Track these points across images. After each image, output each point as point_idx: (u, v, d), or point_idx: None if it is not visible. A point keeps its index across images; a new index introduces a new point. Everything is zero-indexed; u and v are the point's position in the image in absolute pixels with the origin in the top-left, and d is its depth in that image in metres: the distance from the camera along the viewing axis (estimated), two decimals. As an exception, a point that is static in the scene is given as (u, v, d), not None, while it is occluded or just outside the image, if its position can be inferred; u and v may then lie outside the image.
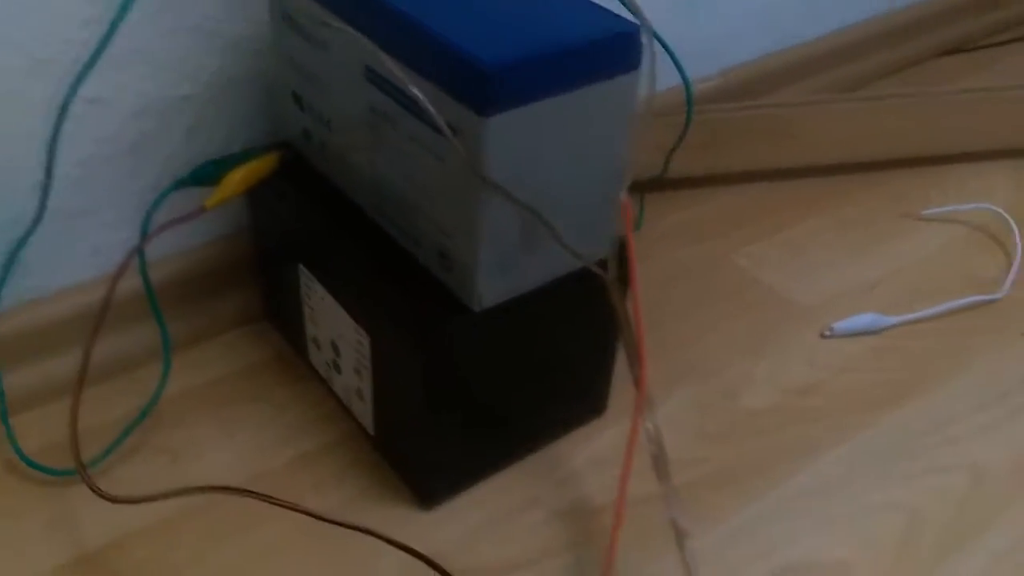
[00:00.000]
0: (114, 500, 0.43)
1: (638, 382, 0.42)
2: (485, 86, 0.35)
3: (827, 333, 0.59)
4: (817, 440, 0.52)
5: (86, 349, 0.46)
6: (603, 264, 0.42)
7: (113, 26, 0.44)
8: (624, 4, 0.43)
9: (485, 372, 0.44)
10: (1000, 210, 0.68)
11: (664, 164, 0.67)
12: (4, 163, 0.47)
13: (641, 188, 0.68)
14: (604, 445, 0.51)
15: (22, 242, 0.49)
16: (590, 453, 0.51)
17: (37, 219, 0.48)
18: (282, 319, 0.57)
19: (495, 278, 0.41)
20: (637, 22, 0.38)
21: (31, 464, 0.48)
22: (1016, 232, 0.66)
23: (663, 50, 0.59)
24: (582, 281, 0.42)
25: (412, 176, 0.42)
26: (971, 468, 0.51)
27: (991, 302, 0.61)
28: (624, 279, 0.42)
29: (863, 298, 0.62)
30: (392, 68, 0.38)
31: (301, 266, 0.50)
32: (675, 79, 0.75)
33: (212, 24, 0.50)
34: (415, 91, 0.37)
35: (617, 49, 0.38)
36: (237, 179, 0.48)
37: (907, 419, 0.53)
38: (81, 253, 0.52)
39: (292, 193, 0.50)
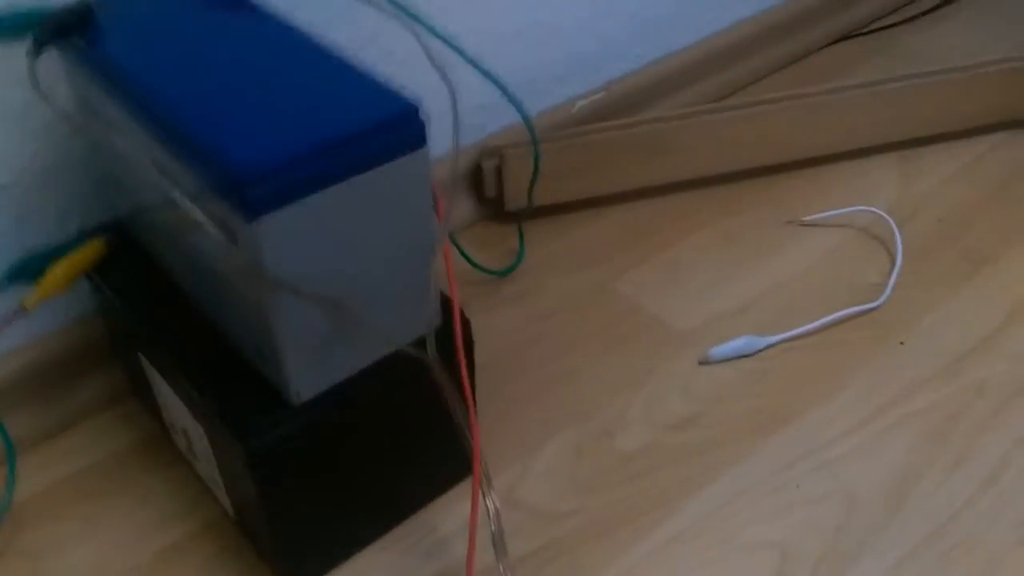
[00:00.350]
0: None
1: (472, 465, 0.40)
2: (244, 191, 0.33)
3: (704, 360, 0.58)
4: (690, 479, 0.51)
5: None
6: (421, 343, 0.40)
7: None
8: (431, 61, 0.42)
9: (315, 459, 0.42)
10: (881, 212, 0.67)
11: (527, 196, 0.65)
12: None
13: (517, 219, 0.67)
14: (463, 514, 0.50)
15: None
16: (460, 517, 0.50)
17: None
18: (145, 399, 0.55)
19: (307, 371, 0.40)
20: (413, 99, 0.37)
21: None
22: (897, 234, 0.65)
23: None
24: (406, 360, 0.41)
25: (215, 270, 0.40)
26: (844, 495, 0.50)
27: (871, 311, 0.60)
28: (453, 350, 0.41)
29: (742, 318, 0.61)
30: (163, 175, 0.36)
31: (140, 354, 0.48)
32: (556, 100, 0.74)
33: (19, 108, 0.48)
34: (186, 200, 0.35)
35: (393, 132, 0.36)
36: (58, 273, 0.47)
37: (780, 447, 0.53)
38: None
39: (120, 281, 0.48)
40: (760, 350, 0.58)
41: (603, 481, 0.51)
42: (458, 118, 0.41)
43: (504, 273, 0.65)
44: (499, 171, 0.68)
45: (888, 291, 0.61)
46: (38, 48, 0.41)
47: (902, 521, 0.49)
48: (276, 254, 0.35)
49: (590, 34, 0.73)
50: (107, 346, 0.55)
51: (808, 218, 0.68)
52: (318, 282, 0.37)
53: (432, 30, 0.47)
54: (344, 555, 0.48)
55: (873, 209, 0.67)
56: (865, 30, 0.92)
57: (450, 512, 0.50)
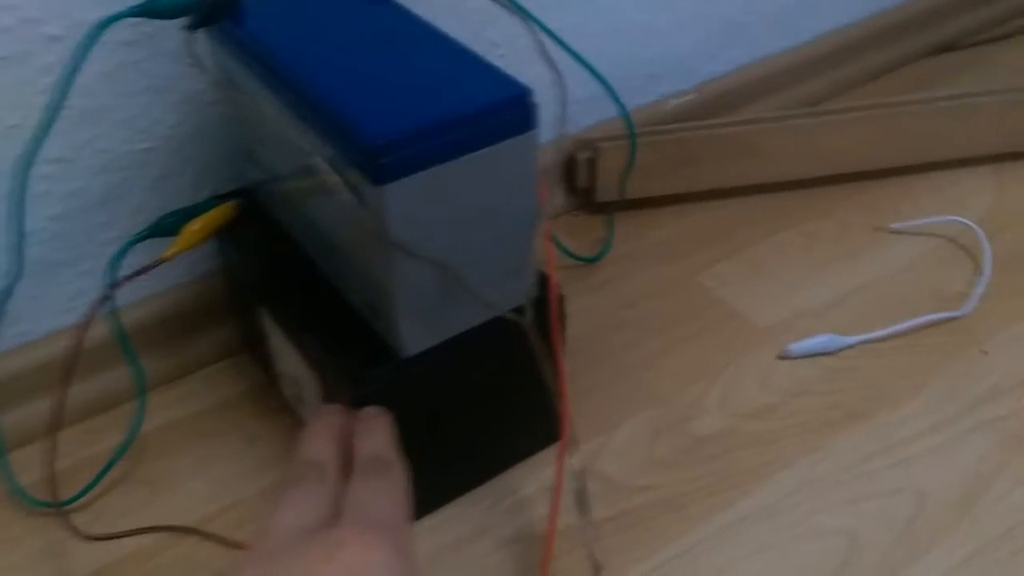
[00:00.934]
0: (86, 537, 0.47)
1: (560, 424, 0.44)
2: (376, 159, 0.37)
3: (783, 355, 0.59)
4: (763, 465, 0.53)
5: (60, 392, 0.50)
6: (520, 310, 0.43)
7: (62, 93, 0.47)
8: (544, 57, 0.45)
9: (418, 411, 0.46)
10: (971, 223, 0.67)
11: (619, 188, 0.68)
12: (-17, 224, 0.51)
13: (607, 210, 0.70)
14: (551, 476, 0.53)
15: (6, 293, 0.53)
16: (543, 481, 0.53)
17: (17, 272, 0.52)
18: (256, 353, 0.60)
19: (417, 328, 0.43)
20: (525, 85, 0.40)
21: (25, 497, 0.52)
22: (986, 245, 0.66)
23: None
24: (506, 324, 0.44)
25: (339, 233, 0.44)
26: (916, 492, 0.51)
27: (955, 319, 0.61)
28: (547, 321, 0.44)
29: (823, 317, 0.62)
30: (303, 143, 0.40)
31: (260, 308, 0.53)
32: (650, 98, 0.76)
33: (165, 80, 0.53)
34: (323, 165, 0.39)
35: (507, 114, 0.40)
36: (195, 230, 0.51)
37: (854, 442, 0.54)
38: (64, 299, 0.56)
39: (247, 241, 0.53)
40: (840, 349, 0.59)
41: (678, 461, 0.54)
42: (565, 107, 0.45)
43: (593, 260, 0.68)
44: (592, 163, 0.70)
45: (973, 300, 0.62)
46: (193, 27, 0.46)
47: (972, 520, 0.50)
48: (398, 218, 0.39)
49: (685, 35, 0.75)
50: (225, 302, 0.60)
51: (896, 225, 0.69)
52: (432, 247, 0.40)
53: (540, 24, 0.51)
54: (433, 506, 0.51)
55: (963, 219, 0.67)
56: (960, 44, 0.92)
57: (533, 475, 0.53)
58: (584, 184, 0.72)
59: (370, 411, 0.42)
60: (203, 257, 0.59)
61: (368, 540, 0.33)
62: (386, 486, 0.38)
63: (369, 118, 0.38)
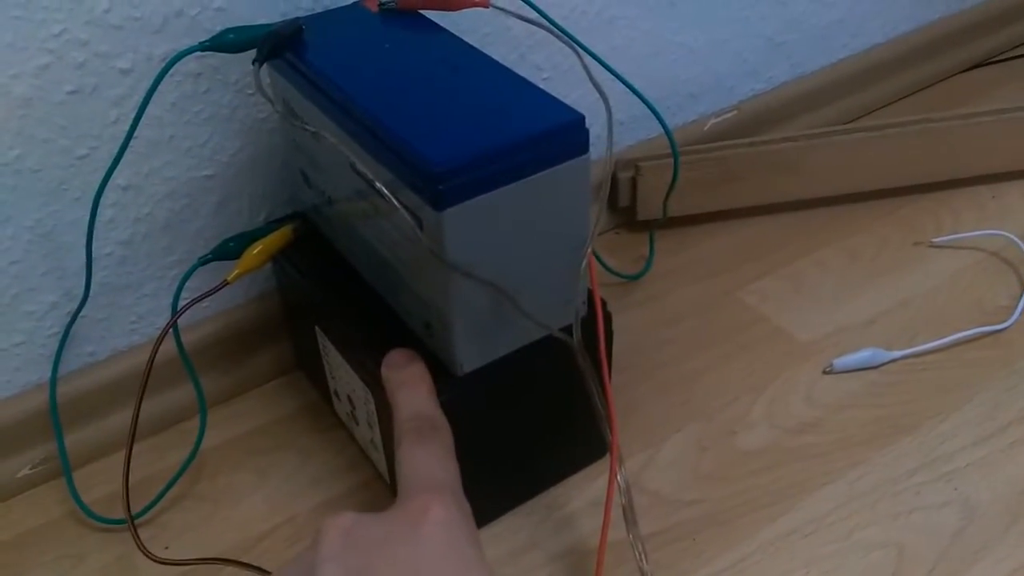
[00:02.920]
0: (156, 560, 0.49)
1: (608, 440, 0.45)
2: (436, 184, 0.39)
3: (827, 369, 0.60)
4: (810, 479, 0.54)
5: (135, 411, 0.52)
6: (568, 329, 0.45)
7: (134, 123, 0.50)
8: (592, 82, 0.47)
9: (473, 428, 0.47)
10: (1014, 236, 0.67)
11: (663, 208, 0.69)
12: (53, 250, 0.53)
13: (651, 228, 0.71)
14: (602, 487, 0.54)
15: (75, 315, 0.55)
16: (589, 495, 0.54)
17: (85, 295, 0.54)
18: (311, 370, 0.62)
19: (472, 346, 0.45)
20: (577, 112, 0.41)
21: (90, 515, 0.55)
22: (1029, 258, 0.66)
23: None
24: (555, 343, 0.46)
25: (396, 254, 0.46)
26: (963, 505, 0.52)
27: (998, 332, 0.61)
28: (594, 341, 0.45)
29: (867, 332, 0.63)
30: (364, 169, 0.42)
31: (316, 326, 0.55)
32: (689, 117, 0.77)
33: (228, 110, 0.55)
34: (384, 190, 0.41)
35: (562, 138, 0.41)
36: (255, 253, 0.53)
37: (901, 455, 0.55)
38: (128, 321, 0.58)
39: (304, 263, 0.55)
40: (885, 363, 0.60)
41: (724, 475, 0.55)
42: (610, 129, 0.46)
43: (635, 278, 0.69)
44: (634, 182, 0.72)
45: (1017, 313, 0.62)
46: (260, 61, 0.48)
47: (1019, 533, 0.50)
48: (456, 241, 0.41)
49: (724, 55, 0.76)
50: (281, 322, 0.62)
51: (938, 240, 0.69)
52: (488, 268, 0.42)
53: (584, 48, 0.52)
54: (484, 521, 0.53)
55: (1005, 233, 0.68)
56: (1001, 58, 0.92)
57: (580, 491, 0.54)
58: (625, 203, 0.73)
59: (402, 357, 0.45)
60: (260, 278, 0.61)
61: (443, 501, 0.36)
62: (439, 451, 0.41)
63: (428, 145, 0.40)
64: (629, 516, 0.46)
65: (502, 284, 0.43)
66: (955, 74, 0.90)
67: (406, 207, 0.41)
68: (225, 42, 0.49)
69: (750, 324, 0.65)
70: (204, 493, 0.56)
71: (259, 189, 0.59)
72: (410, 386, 0.44)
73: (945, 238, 0.69)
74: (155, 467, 0.58)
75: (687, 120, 0.77)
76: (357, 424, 0.56)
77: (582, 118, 0.42)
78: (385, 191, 0.41)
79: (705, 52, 0.75)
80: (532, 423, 0.51)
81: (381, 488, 0.56)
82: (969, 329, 0.61)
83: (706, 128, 0.77)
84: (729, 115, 0.78)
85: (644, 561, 0.45)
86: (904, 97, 0.88)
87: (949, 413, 0.57)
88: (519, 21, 0.50)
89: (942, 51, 0.89)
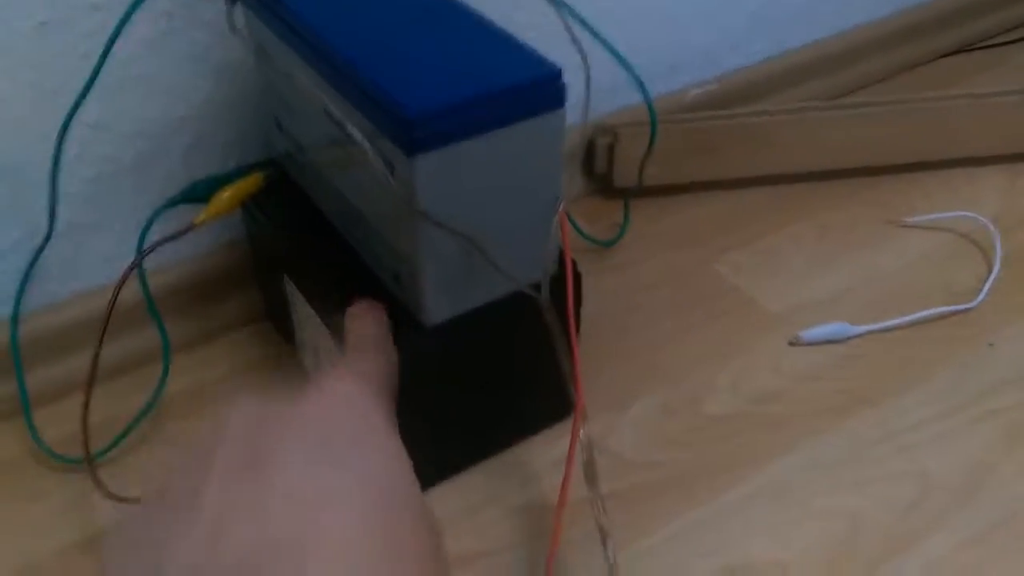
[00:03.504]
0: (114, 498, 0.48)
1: (574, 399, 0.45)
2: (409, 130, 0.38)
3: (794, 341, 0.61)
4: (772, 447, 0.54)
5: (95, 350, 0.51)
6: (537, 286, 0.45)
7: (102, 58, 0.48)
8: (574, 42, 0.46)
9: (439, 380, 0.48)
10: (985, 219, 0.68)
11: (638, 175, 0.69)
12: (18, 185, 0.52)
13: (627, 195, 0.71)
14: (565, 447, 0.54)
15: (38, 252, 0.54)
16: (552, 455, 0.54)
17: (49, 233, 0.53)
18: (278, 320, 0.61)
19: (441, 297, 0.45)
20: (555, 64, 0.41)
21: (50, 453, 0.54)
22: (998, 241, 0.66)
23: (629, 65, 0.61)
24: (524, 299, 0.45)
25: (367, 203, 0.46)
26: (920, 476, 0.52)
27: (964, 311, 0.62)
28: (563, 299, 0.45)
29: (835, 306, 0.63)
30: (337, 113, 0.42)
31: (284, 276, 0.54)
32: (671, 87, 0.77)
33: (201, 50, 0.54)
34: (357, 135, 0.40)
35: (538, 91, 0.41)
36: (225, 198, 0.53)
37: (863, 427, 0.55)
38: (93, 262, 0.57)
39: (274, 211, 0.54)
40: (851, 337, 0.60)
41: (687, 439, 0.55)
42: (589, 92, 0.46)
43: (609, 244, 0.69)
44: (611, 149, 0.72)
45: (983, 295, 0.63)
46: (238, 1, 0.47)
47: (974, 507, 0.51)
48: (427, 189, 0.40)
49: (709, 26, 0.76)
50: (250, 271, 0.61)
51: (909, 219, 0.70)
52: (458, 219, 0.42)
53: (572, 11, 0.52)
54: (448, 474, 0.53)
55: (975, 215, 0.68)
56: (980, 45, 0.92)
57: (542, 450, 0.54)
58: (602, 169, 0.73)
59: (363, 306, 0.44)
60: (229, 225, 0.61)
61: (355, 380, 0.34)
62: (380, 359, 0.40)
63: (403, 91, 0.39)
64: (590, 473, 0.46)
65: (472, 235, 0.43)
66: (940, 57, 0.90)
67: (379, 154, 0.41)
68: (200, -22, 0.48)
69: (721, 294, 0.65)
70: (166, 437, 0.56)
71: (231, 133, 0.58)
72: (362, 319, 0.43)
73: (917, 218, 0.70)
74: (117, 409, 0.57)
75: (668, 90, 0.77)
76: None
77: (559, 71, 0.41)
78: (358, 136, 0.41)
79: (689, 22, 0.75)
80: (497, 379, 0.51)
81: (345, 440, 0.55)
82: (935, 308, 0.62)
83: (687, 99, 0.77)
84: (710, 87, 0.78)
85: (603, 516, 0.46)
86: (887, 78, 0.88)
87: (912, 388, 0.58)
88: (503, -27, 0.50)
89: (928, 33, 0.89)
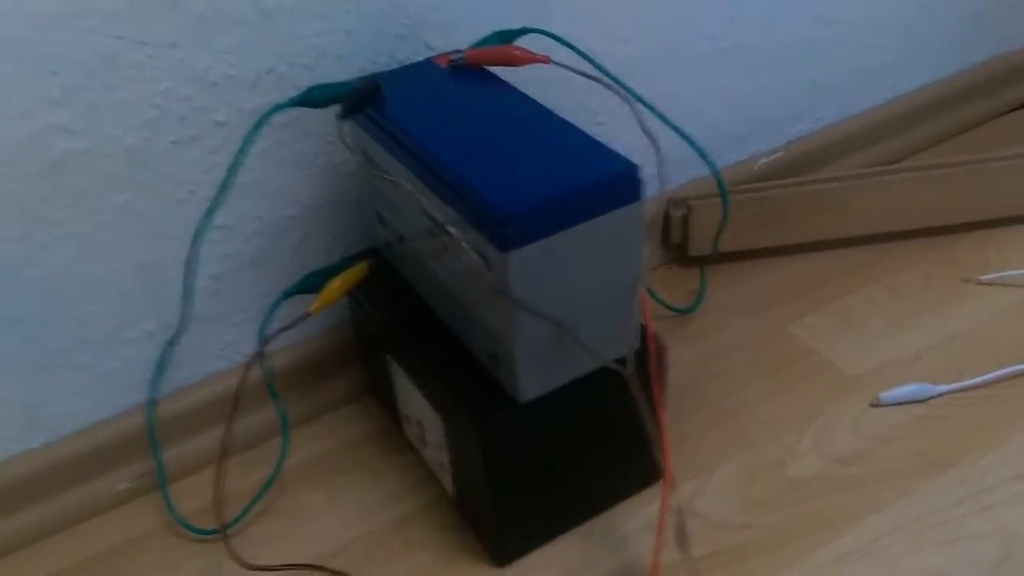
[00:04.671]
0: (248, 566, 0.53)
1: (663, 468, 0.48)
2: (502, 229, 0.43)
3: (875, 402, 0.62)
4: (856, 508, 0.56)
5: (225, 429, 0.57)
6: (623, 361, 0.48)
7: (232, 168, 0.55)
8: (662, 119, 0.51)
9: (534, 451, 0.51)
10: (1060, 274, 0.69)
11: (713, 245, 0.72)
12: (154, 284, 0.59)
13: (702, 263, 0.74)
14: (653, 513, 0.57)
15: (170, 343, 0.61)
16: (644, 518, 0.57)
17: (181, 324, 0.60)
18: (381, 396, 0.66)
19: (533, 376, 0.49)
20: (631, 162, 0.45)
21: (185, 526, 0.60)
22: (1076, 296, 0.67)
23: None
24: (610, 373, 0.49)
25: (463, 290, 0.50)
26: (1004, 535, 0.53)
27: (1044, 368, 0.63)
28: (647, 371, 0.49)
29: (913, 366, 0.65)
30: (436, 213, 0.47)
31: (388, 356, 0.59)
32: (739, 157, 0.81)
33: (308, 157, 0.60)
34: (454, 233, 0.45)
35: (616, 187, 0.45)
36: (335, 287, 0.58)
37: (944, 488, 0.57)
38: (217, 348, 0.63)
39: (378, 296, 0.59)
40: (931, 397, 0.62)
41: (773, 502, 0.57)
42: (661, 169, 0.50)
43: (686, 311, 0.72)
44: (685, 220, 0.75)
45: (1063, 351, 0.64)
46: (344, 115, 0.53)
47: (1065, 566, 0.51)
48: (520, 280, 0.45)
49: (771, 98, 0.80)
50: (354, 351, 0.67)
51: (983, 277, 0.71)
52: (548, 305, 0.46)
53: (636, 97, 0.56)
54: (543, 539, 0.56)
55: (1052, 272, 0.69)
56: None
57: (632, 516, 0.57)
58: (677, 239, 0.76)
59: None
60: (334, 310, 0.66)
61: None
62: None
63: (495, 193, 0.44)
64: (681, 538, 0.49)
65: (562, 319, 0.47)
66: (1002, 114, 0.92)
67: (474, 248, 0.46)
68: (311, 98, 0.55)
69: (799, 357, 0.68)
70: (283, 509, 0.61)
71: (336, 228, 0.64)
72: None
73: (992, 275, 0.71)
74: (240, 484, 0.62)
75: (737, 159, 0.80)
76: (426, 446, 0.60)
77: (635, 167, 0.46)
78: (455, 233, 0.46)
79: (753, 95, 0.78)
80: (587, 449, 0.54)
81: (446, 506, 0.59)
82: (1014, 365, 0.63)
83: (756, 167, 0.80)
84: (778, 155, 0.81)
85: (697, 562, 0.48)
86: (952, 137, 0.89)
87: (992, 448, 0.59)
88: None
89: (989, 92, 0.91)
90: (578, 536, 0.57)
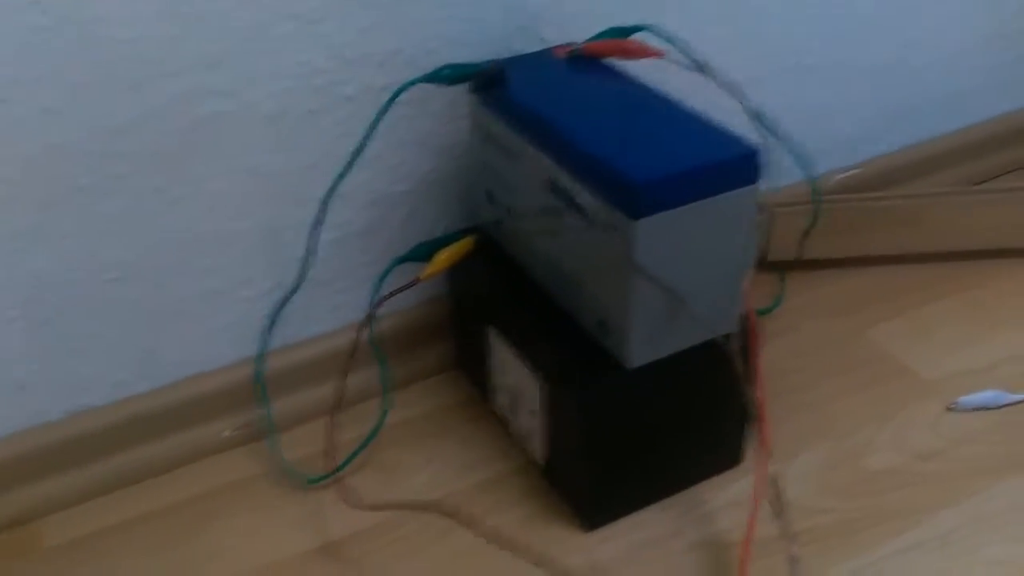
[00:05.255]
0: (354, 506, 0.56)
1: (761, 435, 0.50)
2: (635, 197, 0.46)
3: (952, 406, 0.64)
4: (933, 500, 0.58)
5: (338, 385, 0.60)
6: (728, 337, 0.51)
7: (364, 140, 0.59)
8: (762, 124, 0.54)
9: (633, 419, 0.54)
10: None
11: (798, 248, 0.75)
12: (276, 244, 0.63)
13: (782, 268, 0.77)
14: (739, 491, 0.60)
15: (284, 301, 0.64)
16: (727, 497, 0.59)
17: (297, 285, 0.63)
18: (470, 369, 0.69)
19: (644, 343, 0.52)
20: (755, 144, 0.48)
21: (292, 472, 0.63)
22: None
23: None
24: (713, 349, 0.52)
25: (578, 261, 0.54)
26: (1085, 535, 0.55)
27: (1120, 384, 0.65)
28: (747, 348, 0.51)
29: (990, 375, 0.67)
30: (564, 184, 0.50)
31: (488, 326, 0.62)
32: (818, 171, 0.83)
33: (425, 136, 0.64)
34: (584, 201, 0.48)
35: (740, 168, 0.49)
36: (444, 257, 0.62)
37: (1021, 486, 0.58)
38: (325, 310, 0.67)
39: (484, 269, 0.63)
40: (1007, 404, 0.64)
41: (852, 490, 0.59)
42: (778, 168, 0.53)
43: (765, 312, 0.75)
44: (767, 225, 0.78)
45: None
46: (475, 91, 0.57)
47: None
48: (645, 248, 0.48)
49: (854, 116, 0.82)
50: (446, 324, 0.70)
51: (1060, 296, 0.73)
52: (667, 275, 0.49)
53: (745, 104, 0.59)
54: (630, 508, 0.59)
55: None
56: None
57: (718, 493, 0.60)
58: (759, 244, 0.79)
59: None
60: (429, 285, 0.69)
61: None
62: None
63: (628, 164, 0.48)
64: (777, 505, 0.51)
65: (677, 290, 0.50)
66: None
67: (601, 217, 0.49)
68: (442, 76, 0.58)
69: (876, 360, 0.70)
70: (381, 464, 0.64)
71: (442, 206, 0.68)
72: None
73: (1068, 295, 0.73)
74: (340, 438, 0.64)
75: (815, 174, 0.83)
76: (516, 416, 0.63)
77: (758, 152, 0.49)
78: (585, 203, 0.49)
79: (838, 112, 0.81)
80: (681, 423, 0.57)
81: (533, 473, 0.62)
82: (1092, 379, 0.65)
83: (832, 182, 0.83)
84: (855, 172, 0.84)
85: (795, 546, 0.50)
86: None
87: (1071, 452, 0.60)
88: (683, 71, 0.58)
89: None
90: (663, 508, 0.59)
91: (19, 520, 0.61)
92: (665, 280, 0.49)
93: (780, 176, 0.80)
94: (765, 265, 0.80)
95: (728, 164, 0.48)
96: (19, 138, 0.53)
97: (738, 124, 0.54)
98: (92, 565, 0.58)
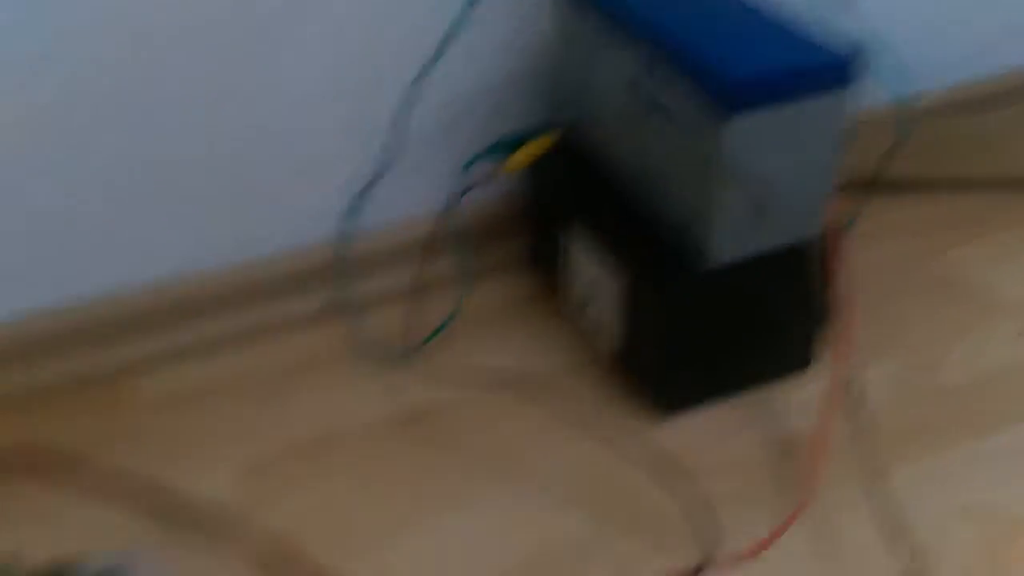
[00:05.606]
0: (431, 381, 0.59)
1: (843, 331, 0.51)
2: (730, 93, 0.46)
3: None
4: (1012, 413, 0.58)
5: (418, 270, 0.62)
6: (811, 241, 0.51)
7: (448, 36, 0.59)
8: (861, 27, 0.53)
9: (712, 317, 0.55)
10: None
11: (873, 169, 0.74)
12: (363, 129, 0.64)
13: (854, 188, 0.76)
14: (809, 394, 0.60)
15: (369, 185, 0.66)
16: (798, 398, 0.60)
17: (382, 170, 0.65)
18: (544, 264, 0.70)
19: (726, 242, 0.52)
20: (850, 51, 0.48)
21: (373, 347, 0.65)
22: None
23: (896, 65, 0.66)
24: (793, 253, 0.52)
25: (662, 161, 0.54)
26: None
27: None
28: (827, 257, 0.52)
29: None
30: (654, 84, 0.50)
31: (566, 223, 0.63)
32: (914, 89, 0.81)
33: (512, 35, 0.64)
34: (673, 101, 0.48)
35: (833, 72, 0.48)
36: (527, 151, 0.63)
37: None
38: (407, 197, 0.68)
39: (565, 167, 0.63)
40: (1086, 328, 0.63)
41: (928, 399, 0.60)
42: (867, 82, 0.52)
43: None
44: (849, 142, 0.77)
45: None
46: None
47: None
48: (735, 146, 0.48)
49: (955, 34, 0.80)
50: (520, 221, 0.71)
51: None
52: (755, 175, 0.49)
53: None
54: (704, 400, 0.60)
55: None
56: None
57: (789, 393, 0.60)
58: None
59: None
60: (512, 178, 0.70)
61: None
62: None
63: (722, 62, 0.48)
64: (852, 401, 0.51)
65: (763, 191, 0.50)
66: None
67: (692, 114, 0.49)
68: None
69: (952, 282, 0.69)
70: (458, 348, 0.65)
71: (525, 104, 0.68)
72: None
73: None
74: (423, 319, 0.67)
75: (907, 94, 0.81)
76: (589, 311, 0.64)
77: (852, 57, 0.48)
78: (670, 104, 0.49)
79: (939, 29, 0.79)
80: (756, 323, 0.57)
81: (604, 366, 0.63)
82: None
83: (921, 104, 0.81)
84: (947, 93, 0.82)
85: (865, 436, 0.51)
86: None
87: None
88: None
89: None
90: (734, 404, 0.60)
91: (122, 372, 0.64)
92: (752, 181, 0.49)
93: (869, 92, 0.79)
94: (843, 183, 0.79)
95: (823, 67, 0.48)
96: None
97: (838, 33, 0.54)
98: (192, 415, 0.61)
